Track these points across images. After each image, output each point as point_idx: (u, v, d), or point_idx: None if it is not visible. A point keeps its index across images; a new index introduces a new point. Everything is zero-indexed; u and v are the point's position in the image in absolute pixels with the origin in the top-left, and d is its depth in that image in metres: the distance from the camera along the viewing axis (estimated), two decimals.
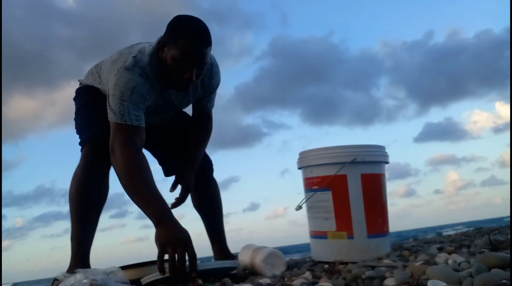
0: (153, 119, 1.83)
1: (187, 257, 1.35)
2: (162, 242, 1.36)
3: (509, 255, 1.08)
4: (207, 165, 2.10)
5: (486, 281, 0.92)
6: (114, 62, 1.67)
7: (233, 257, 2.05)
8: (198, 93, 1.85)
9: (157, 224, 1.41)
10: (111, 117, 1.61)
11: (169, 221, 1.41)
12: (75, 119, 1.94)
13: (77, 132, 1.90)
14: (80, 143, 1.85)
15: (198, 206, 2.12)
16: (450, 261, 1.30)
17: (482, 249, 1.59)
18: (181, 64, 1.57)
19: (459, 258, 1.33)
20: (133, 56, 1.62)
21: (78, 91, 1.98)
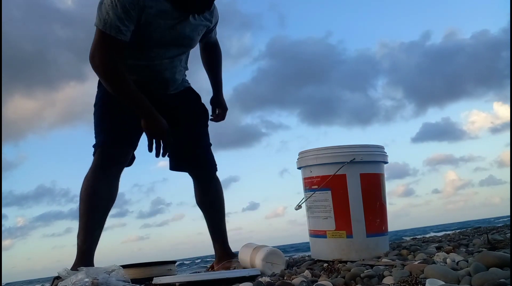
0: (163, 53, 1.88)
1: None
2: (148, 132, 1.80)
3: (507, 254, 1.09)
4: (211, 164, 2.12)
5: (484, 280, 0.93)
6: None
7: (234, 255, 2.05)
8: (207, 22, 1.96)
9: (144, 117, 1.78)
10: (96, 23, 1.70)
11: (152, 116, 1.79)
12: (94, 113, 1.96)
13: (94, 129, 1.93)
14: (93, 146, 1.89)
15: (200, 203, 2.13)
16: (448, 260, 1.30)
17: (480, 248, 1.59)
18: None
19: (457, 257, 1.33)
20: None
21: (99, 82, 1.98)
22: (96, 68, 1.73)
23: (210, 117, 2.18)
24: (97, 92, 1.98)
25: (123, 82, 1.74)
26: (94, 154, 1.87)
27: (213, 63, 2.26)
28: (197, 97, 2.14)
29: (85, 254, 1.77)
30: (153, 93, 1.94)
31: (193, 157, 2.07)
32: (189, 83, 2.13)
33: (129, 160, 1.96)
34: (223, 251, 2.10)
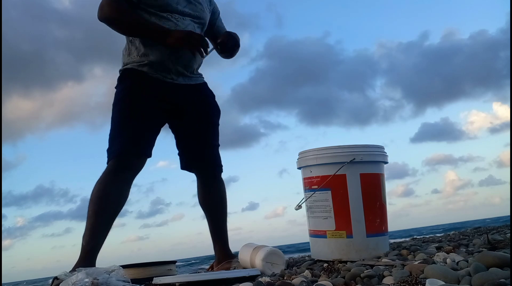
0: (181, 20, 1.95)
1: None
2: (176, 40, 1.83)
3: (507, 254, 1.09)
4: (217, 164, 2.12)
5: (484, 280, 0.93)
6: None
7: (234, 256, 2.05)
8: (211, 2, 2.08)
9: (166, 36, 1.82)
10: None
11: (174, 31, 1.84)
12: (112, 115, 1.95)
13: (111, 132, 1.92)
14: (107, 152, 1.89)
15: (203, 203, 2.13)
16: (448, 260, 1.30)
17: (480, 248, 1.59)
18: None
19: (457, 257, 1.34)
20: None
21: (119, 78, 2.00)
22: (101, 10, 1.83)
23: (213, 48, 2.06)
24: (117, 92, 1.97)
25: (130, 15, 1.83)
26: (108, 160, 1.87)
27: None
28: (212, 94, 2.14)
29: (88, 255, 1.77)
30: (167, 82, 1.96)
31: (201, 156, 2.06)
32: (204, 79, 2.14)
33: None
34: (224, 253, 2.10)
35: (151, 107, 1.91)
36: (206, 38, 1.95)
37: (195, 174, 2.12)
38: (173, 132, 2.09)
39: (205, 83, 2.13)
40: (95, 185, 1.85)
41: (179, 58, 1.95)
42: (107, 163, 1.87)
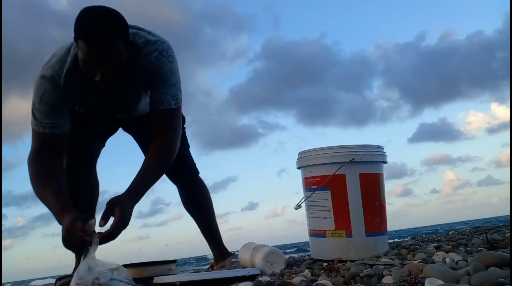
0: (111, 110, 1.76)
1: None
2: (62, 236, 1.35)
3: (506, 254, 1.09)
4: (190, 168, 2.06)
5: (483, 279, 0.93)
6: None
7: (229, 254, 2.06)
8: (135, 89, 1.64)
9: (60, 222, 1.39)
10: (31, 122, 1.57)
11: (63, 224, 1.35)
12: None
13: None
14: None
15: (188, 209, 2.11)
16: (447, 260, 1.31)
17: (480, 248, 1.60)
18: (87, 67, 1.41)
19: (456, 257, 1.34)
20: (48, 61, 1.54)
21: None
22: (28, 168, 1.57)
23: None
24: None
25: (40, 189, 1.50)
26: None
27: (151, 154, 1.60)
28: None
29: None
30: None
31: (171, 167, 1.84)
32: None
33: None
34: (219, 251, 2.11)
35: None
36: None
37: (171, 181, 2.05)
38: (135, 140, 2.01)
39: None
40: None
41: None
42: None
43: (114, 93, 1.62)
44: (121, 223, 1.39)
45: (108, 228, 1.39)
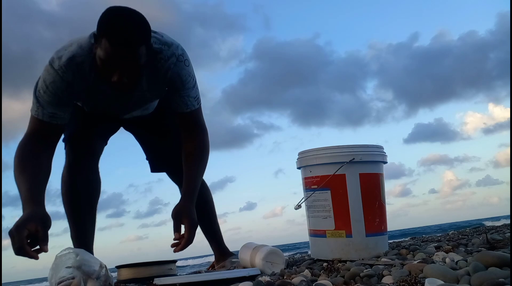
0: (116, 111, 1.78)
1: None
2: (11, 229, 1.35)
3: (506, 254, 1.09)
4: None
5: (483, 279, 0.93)
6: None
7: (230, 254, 2.07)
8: (148, 93, 1.67)
9: (23, 210, 1.41)
10: (31, 108, 1.58)
11: (24, 213, 1.39)
12: None
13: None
14: (63, 141, 1.86)
15: None
16: (447, 260, 1.31)
17: (480, 248, 1.60)
18: (106, 66, 1.41)
19: (456, 257, 1.34)
20: (61, 50, 1.52)
21: None
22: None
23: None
24: None
25: (19, 173, 1.50)
26: (65, 149, 1.85)
27: (189, 154, 1.72)
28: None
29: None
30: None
31: (172, 162, 1.92)
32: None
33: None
34: (220, 251, 2.11)
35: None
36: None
37: (172, 181, 2.05)
38: (137, 140, 2.05)
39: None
40: (61, 182, 1.86)
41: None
42: (64, 149, 1.87)
43: (126, 96, 1.63)
44: (193, 228, 1.58)
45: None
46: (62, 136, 1.76)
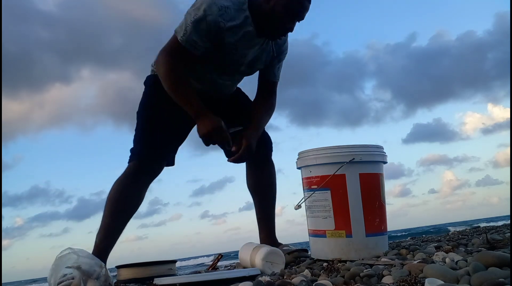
0: (222, 80, 1.92)
1: None
2: (200, 134, 1.74)
3: (506, 254, 1.09)
4: (268, 143, 2.09)
5: (483, 279, 0.93)
6: None
7: (279, 245, 2.00)
8: (271, 54, 1.91)
9: (195, 118, 1.75)
10: (177, 30, 1.75)
11: (203, 117, 1.73)
12: (138, 112, 1.96)
13: (135, 134, 1.93)
14: (131, 151, 1.90)
15: (252, 187, 2.10)
16: (447, 260, 1.31)
17: (480, 248, 1.60)
18: (291, 13, 1.71)
19: (456, 257, 1.34)
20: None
21: (149, 81, 1.98)
22: (158, 69, 1.77)
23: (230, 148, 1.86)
24: (141, 99, 1.97)
25: (180, 85, 1.75)
26: (129, 160, 1.88)
27: (261, 107, 1.99)
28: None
29: (101, 253, 1.78)
30: (213, 97, 1.96)
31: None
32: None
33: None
34: (271, 241, 2.03)
35: (180, 114, 1.82)
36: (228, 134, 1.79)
37: None
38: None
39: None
40: (114, 185, 1.87)
41: (221, 91, 1.99)
42: (129, 162, 1.88)
43: (256, 54, 1.87)
44: (249, 149, 1.80)
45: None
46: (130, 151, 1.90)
